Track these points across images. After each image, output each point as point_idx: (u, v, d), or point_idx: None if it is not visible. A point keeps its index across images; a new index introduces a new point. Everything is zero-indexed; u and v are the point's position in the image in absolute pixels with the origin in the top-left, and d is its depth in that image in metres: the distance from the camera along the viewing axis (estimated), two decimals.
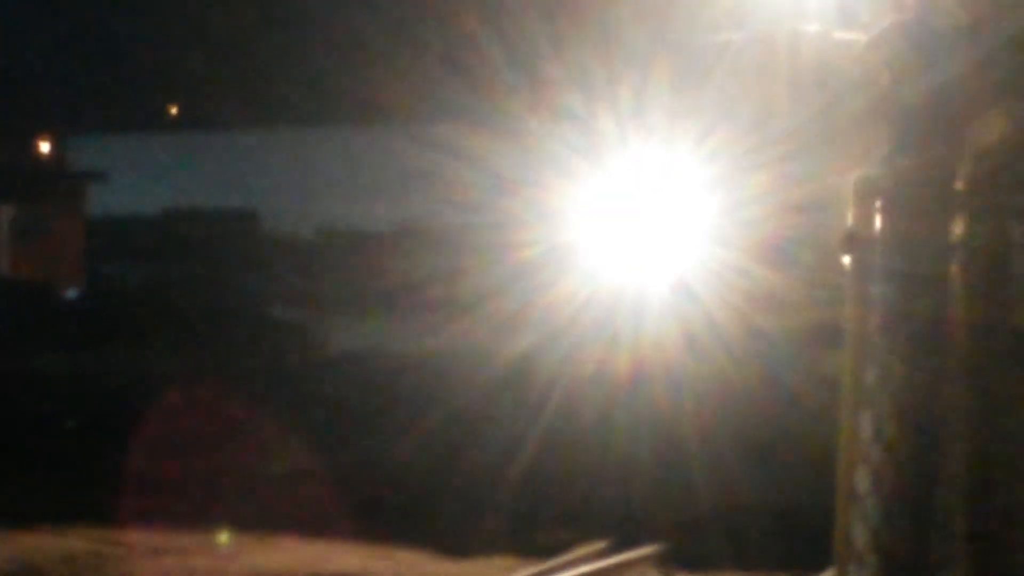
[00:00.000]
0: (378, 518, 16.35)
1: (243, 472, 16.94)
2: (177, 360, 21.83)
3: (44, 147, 27.10)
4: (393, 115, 20.29)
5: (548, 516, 15.69)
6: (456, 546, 14.92)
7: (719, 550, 14.21)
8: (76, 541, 14.12)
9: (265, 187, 23.19)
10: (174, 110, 25.15)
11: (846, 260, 4.20)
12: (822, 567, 12.99)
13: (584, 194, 20.76)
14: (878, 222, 4.11)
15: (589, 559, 13.92)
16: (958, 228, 3.96)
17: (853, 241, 4.14)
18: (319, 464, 17.31)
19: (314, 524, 14.35)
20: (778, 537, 13.69)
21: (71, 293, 23.92)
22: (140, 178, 25.78)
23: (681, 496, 16.61)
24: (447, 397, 21.68)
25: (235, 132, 22.81)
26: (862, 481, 4.20)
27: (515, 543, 15.45)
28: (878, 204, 4.08)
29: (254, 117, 20.59)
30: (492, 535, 15.65)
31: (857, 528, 4.23)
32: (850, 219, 4.22)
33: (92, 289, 24.63)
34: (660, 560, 14.48)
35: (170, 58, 21.78)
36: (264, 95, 19.43)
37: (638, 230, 20.63)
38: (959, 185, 3.94)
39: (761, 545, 13.84)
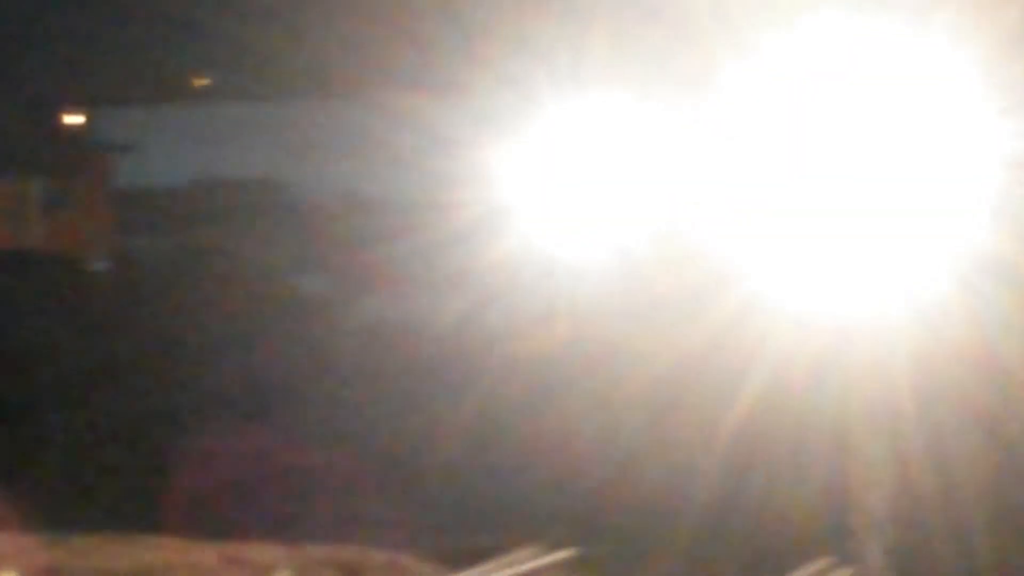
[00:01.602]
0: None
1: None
2: (204, 333, 22.49)
3: (71, 119, 27.36)
4: (350, 83, 20.68)
5: (471, 516, 17.43)
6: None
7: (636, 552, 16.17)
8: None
9: (290, 157, 23.70)
10: (200, 81, 25.54)
11: None
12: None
13: (529, 154, 19.78)
14: None
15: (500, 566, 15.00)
16: None
17: None
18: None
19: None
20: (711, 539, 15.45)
21: (98, 265, 24.36)
22: (167, 150, 26.18)
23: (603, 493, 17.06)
24: (381, 372, 20.80)
25: (260, 103, 23.30)
26: None
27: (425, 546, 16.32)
28: None
29: (280, 88, 20.93)
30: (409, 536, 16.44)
31: None
32: None
33: (119, 261, 25.24)
34: (573, 566, 15.41)
35: (196, 29, 22.13)
36: (287, 66, 19.74)
37: (583, 193, 19.85)
38: None
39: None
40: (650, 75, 18.29)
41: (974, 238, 17.36)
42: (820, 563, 15.81)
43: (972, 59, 17.18)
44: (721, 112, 18.06)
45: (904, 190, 17.63)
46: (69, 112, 27.18)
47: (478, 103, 17.90)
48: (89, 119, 27.56)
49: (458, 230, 19.12)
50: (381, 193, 21.91)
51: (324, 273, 22.34)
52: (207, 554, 16.31)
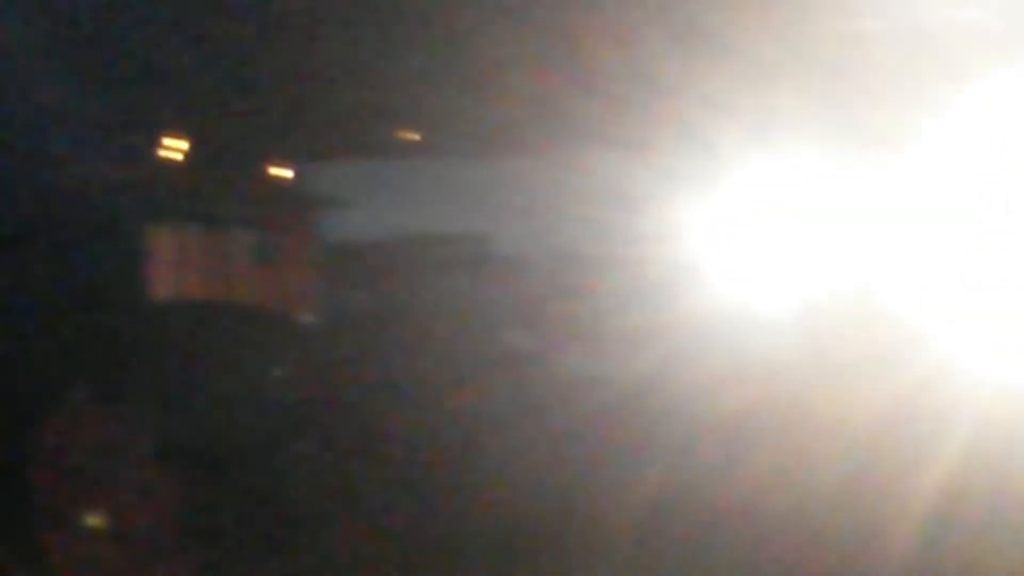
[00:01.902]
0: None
1: None
2: (415, 385, 22.75)
3: (280, 173, 27.37)
4: (547, 141, 20.45)
5: None
6: None
7: None
8: None
9: (494, 213, 23.77)
10: (408, 137, 25.75)
11: None
12: None
13: (719, 210, 19.80)
14: None
15: None
16: None
17: None
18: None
19: None
20: None
21: (306, 319, 24.69)
22: (374, 205, 26.21)
23: None
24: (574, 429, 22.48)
25: (464, 160, 23.40)
26: None
27: None
28: None
29: (482, 146, 20.99)
30: None
31: None
32: None
33: (326, 314, 25.53)
34: None
35: (404, 88, 22.32)
36: (488, 125, 19.77)
37: (774, 249, 19.59)
38: None
39: None
40: (840, 131, 17.60)
41: None
42: None
43: None
44: (915, 167, 17.62)
45: None
46: (278, 166, 27.67)
47: (670, 160, 17.76)
48: (298, 174, 28.43)
49: (651, 286, 19.06)
50: (575, 249, 21.84)
51: (529, 329, 22.46)
52: None
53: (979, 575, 16.07)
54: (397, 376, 21.47)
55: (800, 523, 16.95)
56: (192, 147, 25.59)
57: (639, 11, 18.05)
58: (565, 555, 18.53)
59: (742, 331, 17.72)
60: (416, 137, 24.80)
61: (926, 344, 16.97)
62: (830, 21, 17.16)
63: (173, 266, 24.39)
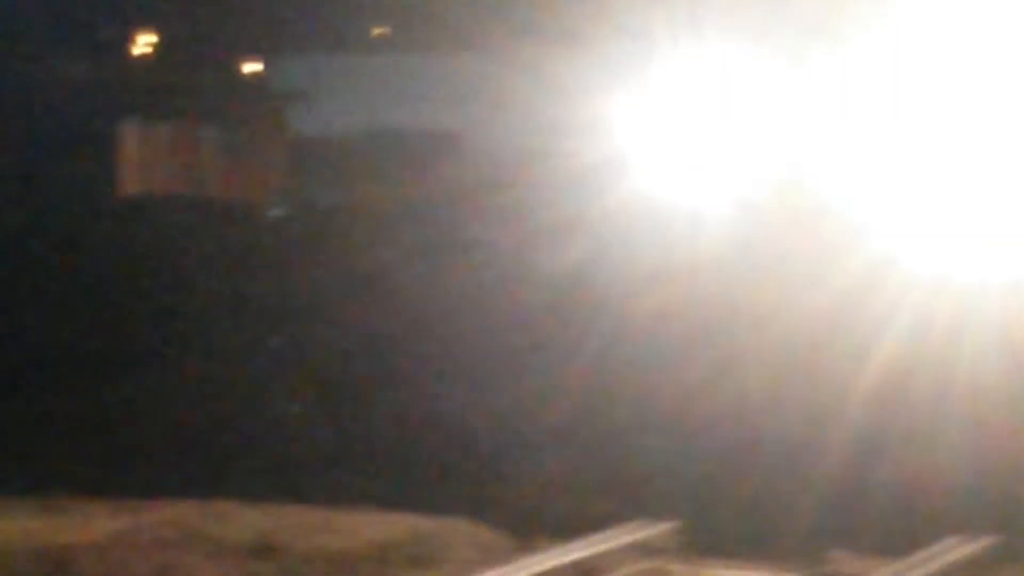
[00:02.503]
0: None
1: None
2: (383, 283, 23.34)
3: (248, 68, 27.96)
4: (488, 37, 21.18)
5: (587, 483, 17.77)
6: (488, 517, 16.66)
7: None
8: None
9: (466, 111, 24.27)
10: (377, 31, 26.24)
11: None
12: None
13: (642, 104, 19.61)
14: None
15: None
16: None
17: None
18: None
19: None
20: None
21: (273, 212, 25.26)
22: (341, 100, 26.84)
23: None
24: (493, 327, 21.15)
25: (436, 55, 24.01)
26: None
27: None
28: None
29: (455, 41, 21.59)
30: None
31: None
32: None
33: (293, 209, 26.10)
34: (675, 541, 15.39)
35: None
36: (463, 19, 20.36)
37: (705, 143, 19.42)
38: None
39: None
40: (771, 23, 17.98)
41: None
42: (956, 537, 15.61)
43: None
44: (846, 61, 17.86)
45: None
46: (247, 61, 28.01)
47: (601, 52, 18.10)
48: (266, 68, 28.45)
49: (579, 178, 19.29)
50: (520, 141, 22.52)
51: (478, 218, 23.06)
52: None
53: (915, 474, 16.27)
54: (358, 267, 22.02)
55: (737, 417, 17.06)
56: (163, 42, 26.21)
57: None
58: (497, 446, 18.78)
59: (675, 223, 18.21)
60: (384, 32, 25.57)
61: (853, 240, 17.28)
62: None
63: (143, 160, 25.06)
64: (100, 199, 24.45)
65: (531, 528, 16.53)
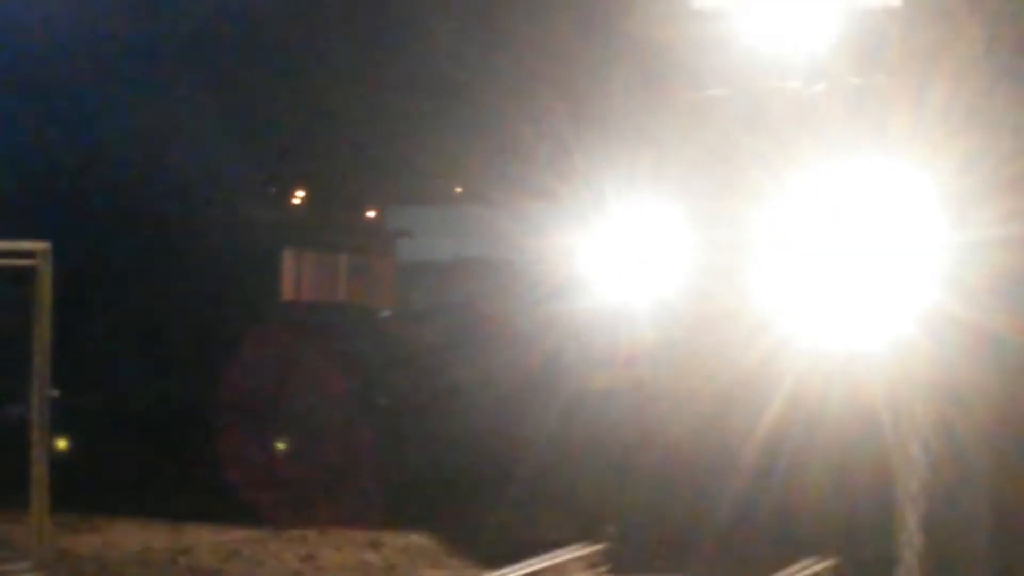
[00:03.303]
0: None
1: None
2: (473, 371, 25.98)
3: (369, 213, 35.25)
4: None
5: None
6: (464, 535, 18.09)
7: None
8: None
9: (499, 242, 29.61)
10: (458, 189, 33.45)
11: None
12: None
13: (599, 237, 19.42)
14: None
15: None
16: None
17: None
18: None
19: None
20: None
21: (385, 313, 30.50)
22: (434, 236, 33.16)
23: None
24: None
25: (494, 205, 29.41)
26: None
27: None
28: None
29: (509, 193, 25.87)
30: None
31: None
32: None
33: (400, 311, 31.09)
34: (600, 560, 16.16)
35: (456, 153, 29.01)
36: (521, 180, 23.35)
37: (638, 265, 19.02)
38: None
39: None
40: (685, 183, 18.36)
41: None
42: (810, 560, 16.22)
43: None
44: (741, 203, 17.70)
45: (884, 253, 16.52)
46: (368, 209, 35.08)
47: (567, 205, 19.38)
48: (382, 213, 35.59)
49: (550, 290, 20.45)
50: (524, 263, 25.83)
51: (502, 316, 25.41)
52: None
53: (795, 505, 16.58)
54: (459, 351, 26.12)
55: (663, 463, 17.82)
56: (310, 195, 31.46)
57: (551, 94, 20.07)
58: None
59: (617, 323, 18.47)
60: (462, 190, 31.25)
61: (754, 333, 17.44)
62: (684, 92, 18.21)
63: (298, 276, 31.43)
64: (270, 303, 29.83)
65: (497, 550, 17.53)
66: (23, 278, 16.55)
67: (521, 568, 15.89)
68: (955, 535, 12.26)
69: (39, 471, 15.68)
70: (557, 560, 16.51)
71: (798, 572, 15.57)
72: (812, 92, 17.61)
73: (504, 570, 15.75)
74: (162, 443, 21.83)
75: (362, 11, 30.97)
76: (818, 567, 15.80)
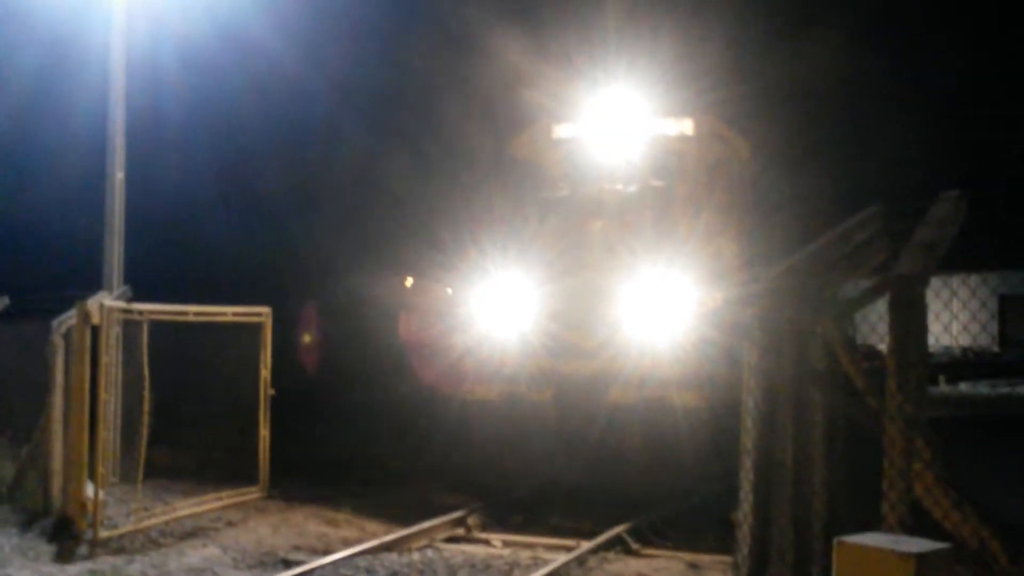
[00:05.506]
0: None
1: None
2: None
3: (407, 283, 36.59)
4: None
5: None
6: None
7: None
8: None
9: None
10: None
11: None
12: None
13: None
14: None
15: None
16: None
17: None
18: None
19: None
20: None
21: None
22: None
23: None
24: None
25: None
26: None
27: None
28: None
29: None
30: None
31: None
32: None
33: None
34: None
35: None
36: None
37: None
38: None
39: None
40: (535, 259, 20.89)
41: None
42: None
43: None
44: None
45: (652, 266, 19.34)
46: (413, 278, 36.85)
47: (460, 268, 20.85)
48: (417, 280, 37.10)
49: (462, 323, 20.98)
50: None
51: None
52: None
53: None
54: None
55: (524, 457, 19.65)
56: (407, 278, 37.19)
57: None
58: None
59: (493, 348, 20.36)
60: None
61: (591, 352, 19.71)
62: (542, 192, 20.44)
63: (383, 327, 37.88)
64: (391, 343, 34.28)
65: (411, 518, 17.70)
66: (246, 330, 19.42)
67: (407, 529, 16.99)
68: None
69: None
70: (436, 522, 17.70)
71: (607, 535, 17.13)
72: (628, 191, 20.10)
73: (399, 532, 16.81)
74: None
75: None
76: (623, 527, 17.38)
